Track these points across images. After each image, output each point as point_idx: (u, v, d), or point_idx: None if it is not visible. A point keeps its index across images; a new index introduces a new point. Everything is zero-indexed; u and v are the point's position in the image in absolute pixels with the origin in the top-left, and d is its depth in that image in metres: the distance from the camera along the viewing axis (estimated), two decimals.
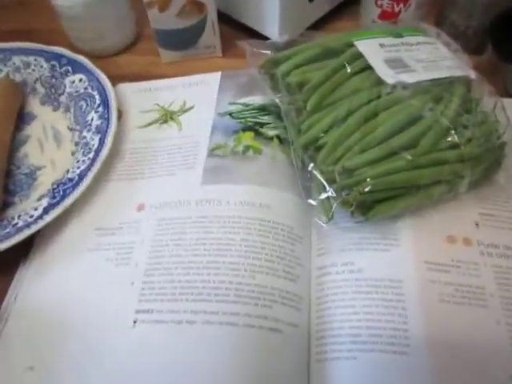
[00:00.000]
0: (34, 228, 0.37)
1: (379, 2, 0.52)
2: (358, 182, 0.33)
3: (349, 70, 0.41)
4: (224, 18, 0.54)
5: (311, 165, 0.36)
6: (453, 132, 0.35)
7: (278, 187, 0.39)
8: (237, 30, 0.55)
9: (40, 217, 0.37)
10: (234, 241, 0.35)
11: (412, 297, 0.32)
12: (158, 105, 0.47)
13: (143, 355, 0.30)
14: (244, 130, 0.42)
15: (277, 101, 0.41)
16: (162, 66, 0.54)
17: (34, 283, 0.36)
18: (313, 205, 0.35)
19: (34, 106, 0.50)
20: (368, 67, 0.40)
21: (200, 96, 0.46)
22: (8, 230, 0.37)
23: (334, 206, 0.33)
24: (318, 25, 0.56)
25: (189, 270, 0.34)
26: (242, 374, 0.29)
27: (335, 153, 0.35)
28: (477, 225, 0.37)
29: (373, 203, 0.35)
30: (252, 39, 0.50)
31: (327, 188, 0.34)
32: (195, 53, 0.54)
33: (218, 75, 0.48)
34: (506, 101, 0.47)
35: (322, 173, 0.35)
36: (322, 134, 0.37)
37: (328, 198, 0.34)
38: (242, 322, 0.31)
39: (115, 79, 0.48)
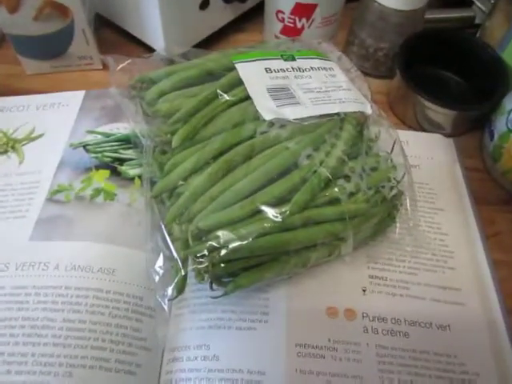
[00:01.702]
0: None
1: (280, 16, 0.45)
2: (211, 247, 0.26)
3: (227, 98, 0.34)
4: (110, 24, 0.46)
5: (161, 223, 0.29)
6: (334, 184, 0.29)
7: (127, 244, 0.31)
8: (126, 38, 0.47)
9: None
10: (53, 322, 0.27)
11: None
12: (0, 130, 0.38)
13: None
14: (98, 167, 0.34)
15: (137, 132, 0.33)
16: (26, 78, 0.45)
17: None
18: (157, 274, 0.28)
19: None
20: (249, 96, 0.34)
21: (54, 120, 0.38)
22: None
23: (178, 278, 0.26)
24: (218, 37, 0.49)
25: None
26: None
27: (193, 207, 0.28)
28: (364, 291, 0.31)
29: (234, 272, 0.28)
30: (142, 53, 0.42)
31: (173, 253, 0.27)
32: (67, 64, 0.45)
33: (80, 94, 0.40)
34: (415, 135, 0.42)
35: (169, 234, 0.27)
36: (181, 182, 0.29)
37: (177, 266, 0.27)
38: None
39: None
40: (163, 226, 0.28)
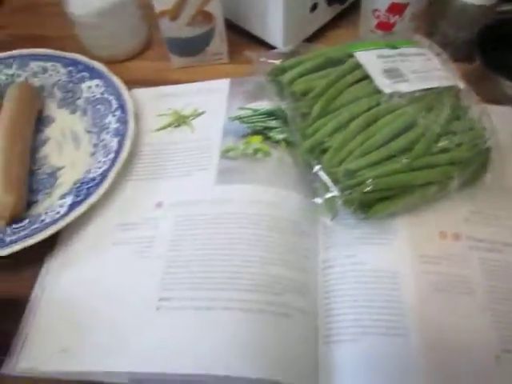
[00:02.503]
0: (60, 224, 0.40)
1: (376, 13, 0.55)
2: (359, 182, 0.37)
3: (349, 79, 0.44)
4: (232, 26, 0.58)
5: (317, 167, 0.39)
6: (444, 138, 0.39)
7: (284, 187, 0.42)
8: (244, 37, 0.59)
9: (66, 214, 0.40)
10: (246, 235, 0.38)
11: (407, 286, 0.36)
12: (171, 109, 0.50)
13: (168, 337, 0.34)
14: (253, 133, 0.46)
15: (282, 107, 0.45)
16: (172, 71, 0.57)
17: (61, 275, 0.40)
18: (318, 203, 0.39)
19: (52, 109, 0.53)
20: (367, 77, 0.44)
21: (211, 102, 0.50)
22: (36, 225, 0.40)
23: (338, 204, 0.37)
24: (319, 33, 0.60)
25: (206, 261, 0.37)
26: (256, 355, 0.33)
27: (339, 155, 0.39)
28: (466, 221, 0.41)
29: (373, 202, 0.39)
30: (258, 49, 0.54)
31: (331, 188, 0.38)
32: (204, 59, 0.57)
33: (227, 82, 0.51)
34: (493, 108, 0.51)
35: (327, 174, 0.38)
36: (327, 138, 0.40)
37: (332, 197, 0.38)
38: (255, 308, 0.34)
39: (128, 83, 0.51)
40: (318, 171, 0.39)
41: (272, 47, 0.56)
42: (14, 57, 0.54)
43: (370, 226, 0.39)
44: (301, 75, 0.46)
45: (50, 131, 0.51)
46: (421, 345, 0.34)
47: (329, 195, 0.38)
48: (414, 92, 0.42)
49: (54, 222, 0.40)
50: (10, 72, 0.53)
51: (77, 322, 0.36)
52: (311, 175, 0.40)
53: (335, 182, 0.38)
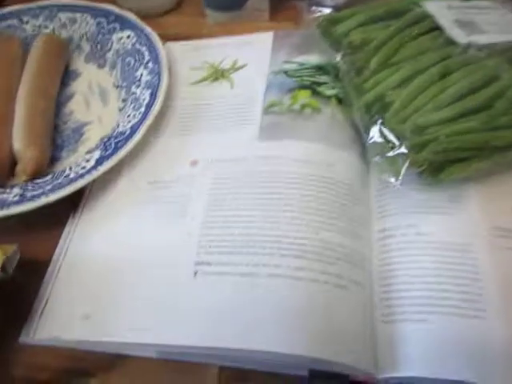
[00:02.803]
0: (87, 178, 0.36)
1: None
2: (430, 140, 0.32)
3: (414, 30, 0.39)
4: None
5: (379, 121, 0.34)
6: None
7: (337, 146, 0.37)
8: None
9: (93, 168, 0.36)
10: (295, 196, 0.33)
11: (485, 262, 0.31)
12: (207, 63, 0.45)
13: (205, 306, 0.29)
14: (300, 88, 0.41)
15: (337, 59, 0.39)
16: (208, 27, 0.52)
17: (85, 236, 0.36)
18: (377, 164, 0.34)
19: (79, 63, 0.49)
20: (435, 28, 0.39)
21: (252, 55, 0.45)
22: (60, 180, 0.36)
23: (403, 165, 0.32)
24: None
25: (248, 223, 0.32)
26: (306, 328, 0.28)
27: (405, 111, 0.34)
28: None
29: (444, 164, 0.33)
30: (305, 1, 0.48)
31: (396, 146, 0.33)
32: (242, 15, 0.52)
33: (270, 35, 0.46)
34: None
35: (391, 130, 0.33)
36: (390, 92, 0.35)
37: (396, 156, 0.33)
38: (306, 277, 0.30)
39: (162, 39, 0.47)
40: (379, 127, 0.34)
41: (318, 3, 0.51)
42: (41, 7, 0.50)
43: (437, 192, 0.34)
44: (357, 26, 0.41)
45: (77, 86, 0.47)
46: (502, 329, 0.28)
47: (391, 153, 0.33)
48: (495, 44, 0.36)
49: (80, 176, 0.36)
50: (37, 23, 0.50)
51: (101, 287, 0.32)
52: (368, 133, 0.35)
53: (401, 139, 0.33)
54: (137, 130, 0.38)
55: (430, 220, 0.33)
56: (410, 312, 0.30)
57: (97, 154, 0.38)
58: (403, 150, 0.32)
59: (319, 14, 0.45)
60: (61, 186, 0.35)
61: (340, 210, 0.33)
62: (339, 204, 0.34)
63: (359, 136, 0.39)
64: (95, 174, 0.36)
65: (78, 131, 0.43)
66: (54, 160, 0.41)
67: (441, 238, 0.32)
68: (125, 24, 0.47)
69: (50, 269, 0.34)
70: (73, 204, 0.38)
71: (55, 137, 0.43)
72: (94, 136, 0.42)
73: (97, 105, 0.45)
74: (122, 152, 0.37)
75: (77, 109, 0.45)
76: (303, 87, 0.41)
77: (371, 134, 0.34)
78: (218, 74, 0.44)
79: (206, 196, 0.35)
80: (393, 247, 0.33)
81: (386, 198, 0.35)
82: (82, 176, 0.36)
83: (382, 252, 0.33)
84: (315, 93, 0.40)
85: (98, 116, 0.44)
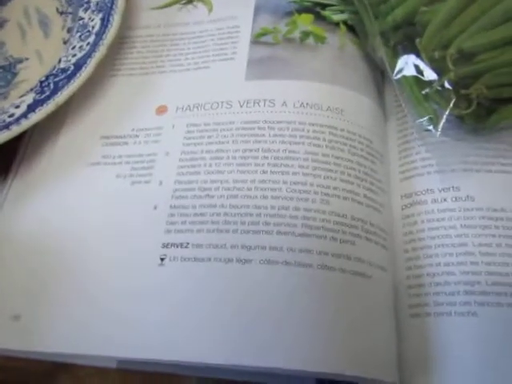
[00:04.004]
0: (15, 130, 0.26)
1: None
2: (484, 70, 0.23)
3: None
4: None
5: (409, 49, 0.25)
6: None
7: (348, 86, 0.28)
8: None
9: (24, 115, 0.27)
10: (296, 154, 0.25)
11: None
12: None
13: (176, 305, 0.21)
14: (300, 11, 0.31)
15: None
16: None
17: (19, 205, 0.27)
18: (405, 106, 0.25)
19: None
20: None
21: None
22: None
23: (450, 105, 0.23)
24: None
25: (236, 191, 0.24)
26: (317, 336, 0.21)
27: (445, 32, 0.25)
28: None
29: (491, 107, 0.25)
30: None
31: (435, 81, 0.24)
32: None
33: None
34: None
35: (429, 59, 0.24)
36: (423, 8, 0.26)
37: (435, 94, 0.24)
38: (315, 263, 0.22)
39: None
40: (410, 55, 0.25)
41: None
42: None
43: (482, 143, 0.26)
44: None
45: (8, 11, 0.36)
46: None
47: (428, 91, 0.24)
48: None
49: (6, 127, 0.26)
50: None
51: (38, 276, 0.24)
52: (393, 67, 0.26)
53: (441, 71, 0.24)
54: (83, 65, 0.29)
55: (474, 180, 0.25)
56: (451, 303, 0.22)
57: (30, 98, 0.28)
58: (445, 85, 0.24)
59: None
60: None
61: (357, 171, 0.25)
62: (356, 163, 0.25)
63: (374, 73, 0.30)
64: (25, 123, 0.26)
65: (10, 70, 0.33)
66: None
67: (489, 204, 0.24)
68: None
69: None
70: (3, 163, 0.29)
71: None
72: (31, 77, 0.32)
73: (35, 36, 0.35)
74: (62, 94, 0.27)
75: (9, 41, 0.35)
76: (303, 10, 0.31)
77: (398, 67, 0.26)
78: None
79: (178, 155, 0.26)
80: (423, 218, 0.25)
81: (411, 154, 0.27)
82: (7, 126, 0.26)
83: (408, 224, 0.25)
84: (319, 17, 0.31)
85: (36, 50, 0.34)
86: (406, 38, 0.26)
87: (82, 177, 0.27)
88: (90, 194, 0.26)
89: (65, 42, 0.33)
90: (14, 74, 0.33)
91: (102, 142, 0.28)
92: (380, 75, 0.31)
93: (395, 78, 0.26)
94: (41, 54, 0.34)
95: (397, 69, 0.26)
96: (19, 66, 0.33)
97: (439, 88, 0.24)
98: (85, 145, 0.28)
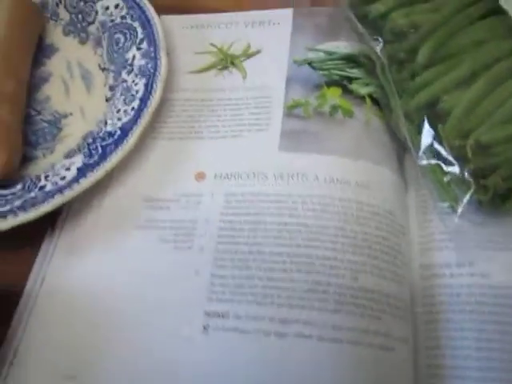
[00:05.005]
0: (67, 194, 0.29)
1: None
2: (500, 163, 0.26)
3: (472, 13, 0.32)
4: None
5: (432, 134, 0.28)
6: None
7: (374, 160, 0.31)
8: None
9: (75, 180, 0.29)
10: (327, 229, 0.27)
11: None
12: (214, 45, 0.37)
13: (219, 375, 0.23)
14: (329, 84, 0.33)
15: (375, 48, 0.32)
16: None
17: (66, 264, 0.29)
18: (427, 187, 0.28)
19: (56, 36, 0.40)
20: (497, 10, 0.32)
21: (268, 37, 0.37)
22: (33, 194, 0.29)
23: (469, 192, 0.26)
24: None
25: (272, 263, 0.26)
26: None
27: (466, 122, 0.27)
28: None
29: (507, 194, 0.27)
30: None
31: (455, 167, 0.26)
32: None
33: (289, 12, 0.38)
34: None
35: (451, 148, 0.27)
36: (446, 95, 0.28)
37: (455, 180, 0.26)
38: (346, 338, 0.24)
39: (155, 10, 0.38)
40: (433, 141, 0.28)
41: None
42: None
43: (499, 224, 0.28)
44: (399, 6, 0.33)
45: (53, 65, 0.39)
46: None
47: (449, 178, 0.27)
48: None
49: (58, 190, 0.29)
50: None
51: (88, 336, 0.26)
52: (417, 149, 0.29)
53: (461, 159, 0.27)
54: (129, 131, 0.31)
55: (491, 258, 0.27)
56: (464, 377, 0.25)
57: (79, 161, 0.31)
58: (465, 173, 0.26)
59: None
60: (34, 203, 0.28)
61: (382, 245, 0.27)
62: (382, 238, 0.28)
63: (396, 144, 0.32)
64: (77, 188, 0.29)
65: (56, 125, 0.35)
66: (25, 161, 0.33)
67: (503, 282, 0.27)
68: None
69: (21, 303, 0.28)
70: (49, 219, 0.31)
71: (27, 131, 0.35)
72: (74, 132, 0.35)
73: (78, 91, 0.37)
74: (111, 160, 0.30)
75: (54, 95, 0.37)
76: (332, 83, 0.34)
77: (422, 150, 0.28)
78: (228, 61, 0.36)
79: (218, 223, 0.28)
80: (441, 291, 0.27)
81: (431, 226, 0.30)
82: (60, 190, 0.29)
83: (427, 296, 0.28)
84: (346, 90, 0.33)
85: (79, 106, 0.36)
86: (431, 121, 0.29)
87: (127, 240, 0.29)
88: (135, 257, 0.28)
89: (107, 100, 0.36)
90: (59, 129, 0.35)
91: (146, 205, 0.30)
92: (401, 146, 0.33)
93: (419, 163, 0.28)
94: (83, 109, 0.36)
95: (420, 152, 0.28)
96: (64, 121, 0.36)
97: (458, 175, 0.26)
98: (129, 207, 0.30)
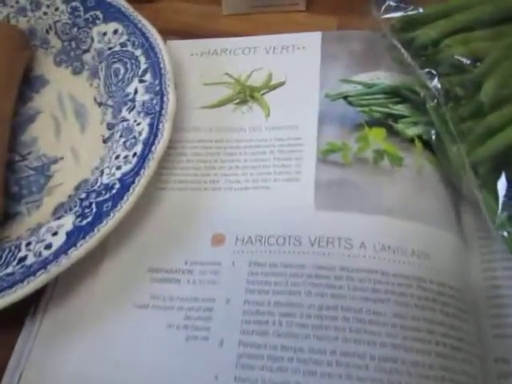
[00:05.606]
0: (53, 271, 0.23)
1: None
2: None
3: None
4: None
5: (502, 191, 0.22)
6: None
7: (430, 221, 0.25)
8: None
9: (63, 250, 0.23)
10: (382, 316, 0.21)
11: None
12: (229, 75, 0.32)
13: None
14: (370, 124, 0.28)
15: (428, 83, 0.27)
16: (223, 19, 0.39)
17: (51, 352, 0.23)
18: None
19: (46, 66, 0.35)
20: None
21: (293, 65, 0.32)
22: (11, 269, 0.24)
23: None
24: None
25: (313, 365, 0.20)
26: None
27: None
28: None
29: None
30: None
31: None
32: (269, 3, 0.38)
33: (317, 36, 0.33)
34: None
35: None
36: None
37: None
38: None
39: (160, 34, 0.33)
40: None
41: None
42: None
43: None
44: (453, 31, 0.28)
45: (43, 100, 0.34)
46: None
47: None
48: None
49: (42, 265, 0.23)
50: None
51: None
52: (494, 210, 0.23)
53: None
54: (131, 184, 0.25)
55: None
56: None
57: (68, 222, 0.25)
58: None
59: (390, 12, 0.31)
60: (12, 283, 0.23)
61: (452, 338, 0.21)
62: (448, 327, 0.22)
63: (452, 196, 0.27)
64: (65, 262, 0.23)
65: (43, 172, 0.30)
66: (6, 219, 0.28)
67: None
68: (110, 13, 0.33)
69: None
70: (36, 293, 0.25)
71: (9, 180, 0.29)
72: (66, 180, 0.30)
73: (71, 129, 0.32)
74: (108, 224, 0.24)
75: (42, 135, 0.32)
76: (374, 123, 0.28)
77: (498, 219, 0.22)
78: (246, 95, 0.31)
79: (240, 304, 0.22)
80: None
81: (505, 305, 0.24)
82: (45, 266, 0.23)
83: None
84: (391, 131, 0.28)
85: (72, 148, 0.31)
86: (509, 174, 0.23)
87: (127, 322, 0.23)
88: (135, 346, 0.22)
89: (104, 141, 0.30)
90: (48, 178, 0.30)
91: (151, 276, 0.24)
92: (457, 196, 0.27)
93: (499, 233, 0.22)
94: (77, 152, 0.31)
95: (498, 222, 0.22)
96: (53, 167, 0.30)
97: None
98: (131, 279, 0.24)
